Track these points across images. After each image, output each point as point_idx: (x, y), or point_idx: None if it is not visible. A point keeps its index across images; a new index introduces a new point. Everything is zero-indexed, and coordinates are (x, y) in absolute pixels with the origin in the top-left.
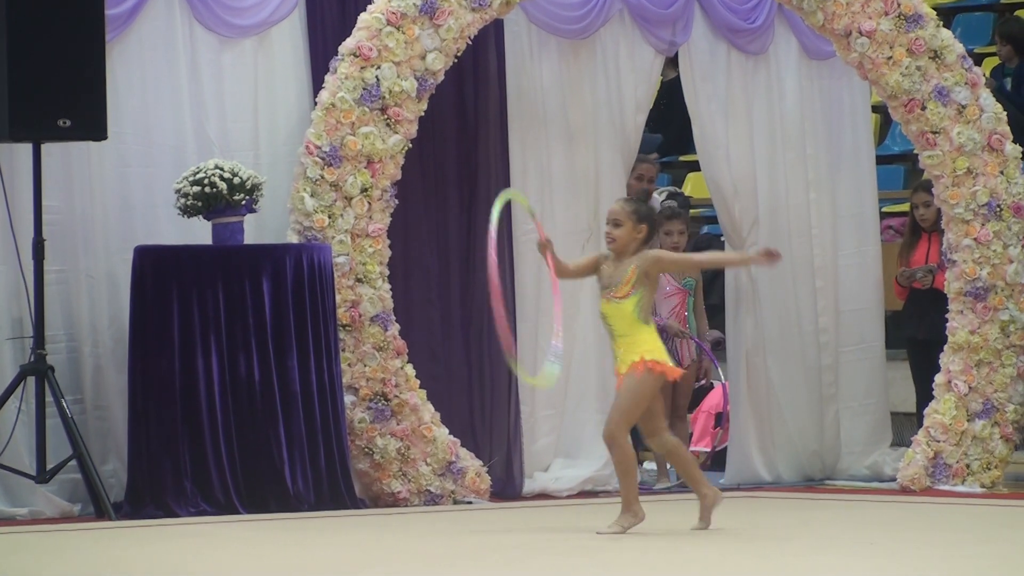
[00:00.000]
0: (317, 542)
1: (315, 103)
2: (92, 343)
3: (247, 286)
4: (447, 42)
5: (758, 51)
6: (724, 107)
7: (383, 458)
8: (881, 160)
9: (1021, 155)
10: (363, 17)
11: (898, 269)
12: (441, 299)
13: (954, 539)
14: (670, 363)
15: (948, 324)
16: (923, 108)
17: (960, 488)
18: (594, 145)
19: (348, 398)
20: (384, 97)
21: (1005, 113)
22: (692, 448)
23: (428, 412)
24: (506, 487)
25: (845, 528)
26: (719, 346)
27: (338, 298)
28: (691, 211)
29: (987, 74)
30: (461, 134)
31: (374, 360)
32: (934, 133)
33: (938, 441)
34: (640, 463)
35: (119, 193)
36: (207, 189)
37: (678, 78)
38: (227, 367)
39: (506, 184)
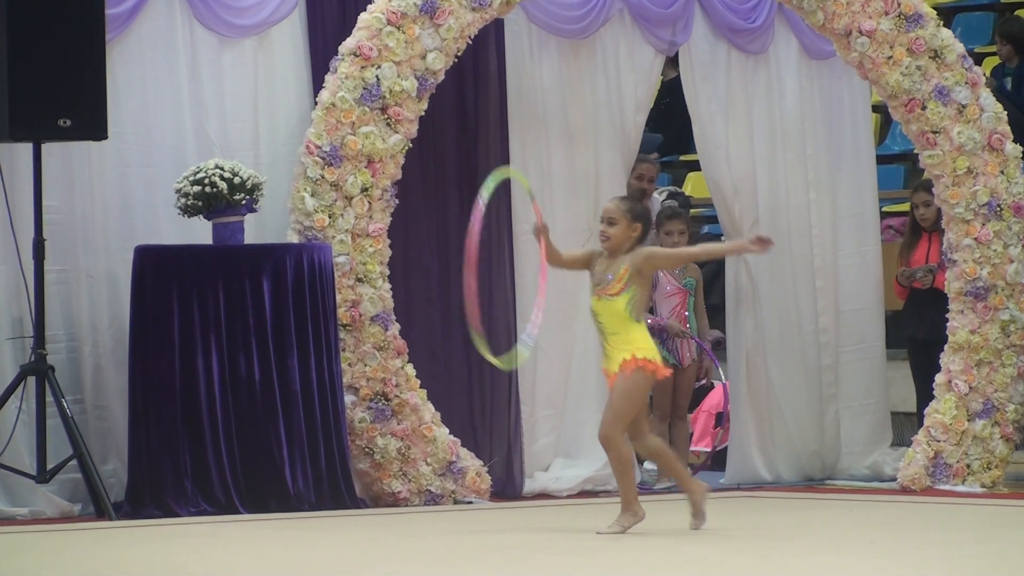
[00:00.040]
0: (317, 542)
1: (315, 103)
2: (92, 343)
3: (247, 286)
4: (447, 42)
5: (758, 51)
6: (724, 107)
7: (383, 458)
8: (881, 160)
9: (1021, 155)
10: (363, 17)
11: (898, 269)
12: (441, 299)
13: (954, 539)
14: (660, 362)
15: (948, 324)
16: (923, 108)
17: (960, 488)
18: (594, 145)
19: (348, 398)
20: (384, 97)
21: (1005, 113)
22: (692, 448)
23: (428, 412)
24: (506, 487)
25: (845, 528)
26: (719, 346)
27: (338, 298)
28: (691, 211)
29: (987, 74)
30: (461, 134)
31: (374, 360)
32: (934, 133)
33: (938, 441)
34: (640, 463)
35: (119, 193)
36: (207, 189)
37: (678, 78)
38: (227, 367)
39: (506, 184)
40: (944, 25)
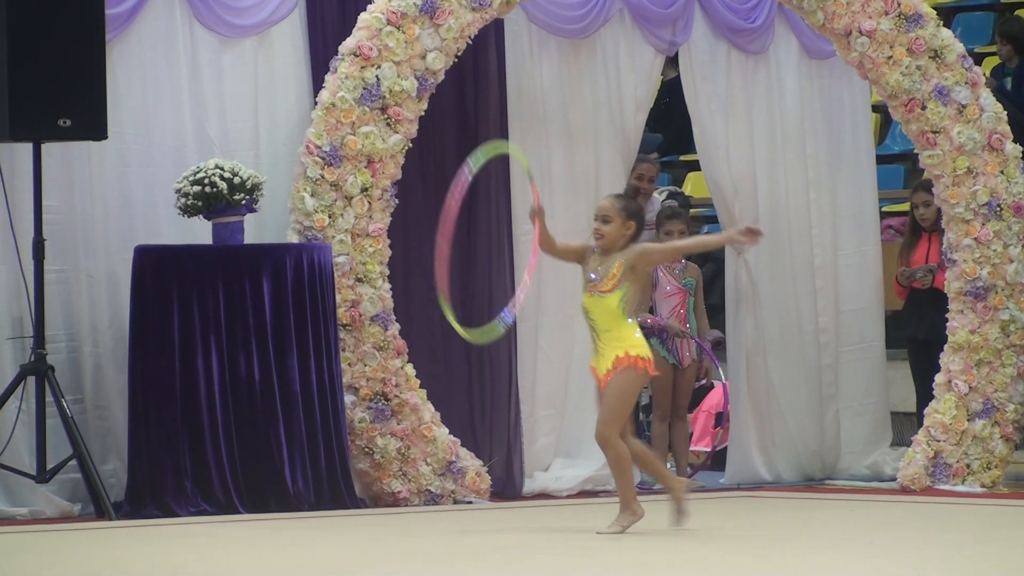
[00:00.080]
0: (317, 542)
1: (315, 103)
2: (92, 343)
3: (247, 286)
4: (447, 42)
5: (758, 51)
6: (724, 107)
7: (383, 458)
8: (881, 160)
9: (1021, 155)
10: (363, 17)
11: (898, 269)
12: None
13: (954, 539)
14: (652, 359)
15: (948, 324)
16: (923, 108)
17: (960, 488)
18: (594, 145)
19: (348, 398)
20: (384, 97)
21: (1005, 113)
22: (692, 448)
23: (428, 412)
24: (506, 487)
25: (845, 528)
26: (719, 346)
27: (338, 298)
28: (691, 211)
29: (987, 74)
30: (461, 134)
31: (374, 360)
32: (934, 133)
33: (938, 441)
34: None
35: (119, 193)
36: (207, 189)
37: (678, 78)
38: (227, 367)
39: (506, 184)
40: (944, 25)
